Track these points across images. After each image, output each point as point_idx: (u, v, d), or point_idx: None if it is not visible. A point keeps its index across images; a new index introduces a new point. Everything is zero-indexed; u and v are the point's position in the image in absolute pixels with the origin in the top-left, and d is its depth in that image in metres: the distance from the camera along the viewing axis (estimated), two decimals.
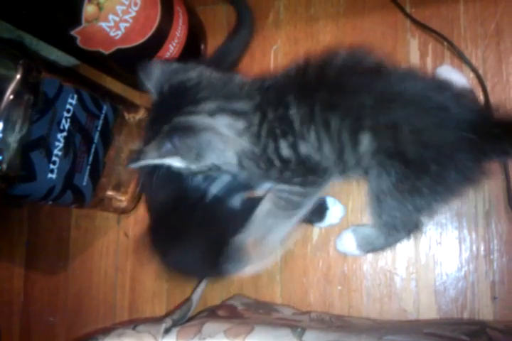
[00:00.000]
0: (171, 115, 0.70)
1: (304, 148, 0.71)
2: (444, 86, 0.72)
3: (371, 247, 0.85)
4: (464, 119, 0.66)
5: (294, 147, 0.71)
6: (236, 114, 0.70)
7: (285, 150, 0.71)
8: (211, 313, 0.78)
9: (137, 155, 0.69)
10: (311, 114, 0.68)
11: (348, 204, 0.93)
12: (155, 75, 0.75)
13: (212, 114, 0.69)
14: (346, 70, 0.70)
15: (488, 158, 0.70)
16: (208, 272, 0.83)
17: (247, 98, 0.72)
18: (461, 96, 0.71)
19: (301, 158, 0.72)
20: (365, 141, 0.67)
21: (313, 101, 0.68)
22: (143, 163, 0.69)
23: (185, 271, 0.83)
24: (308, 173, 0.74)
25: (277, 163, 0.73)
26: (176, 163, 0.71)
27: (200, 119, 0.69)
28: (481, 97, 0.89)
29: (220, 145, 0.70)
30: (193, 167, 0.72)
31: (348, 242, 0.87)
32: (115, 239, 1.08)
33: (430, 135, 0.66)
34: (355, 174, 0.76)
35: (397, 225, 0.76)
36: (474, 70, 0.90)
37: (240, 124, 0.70)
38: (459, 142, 0.66)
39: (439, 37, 0.93)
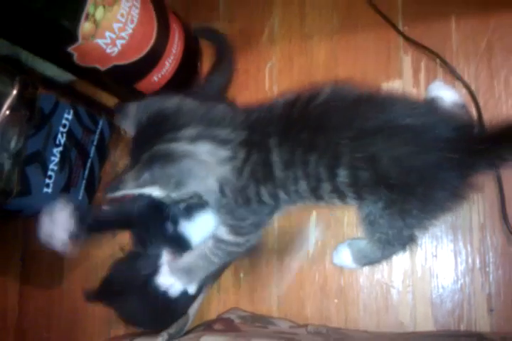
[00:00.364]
0: (150, 143, 0.69)
1: (282, 196, 0.71)
2: (423, 107, 0.71)
3: (367, 260, 0.85)
4: (444, 139, 0.65)
5: (274, 196, 0.71)
6: (218, 141, 0.69)
7: (265, 197, 0.71)
8: (207, 327, 0.77)
9: (116, 184, 0.67)
10: (291, 157, 0.68)
11: (343, 218, 0.93)
12: (131, 112, 0.74)
13: (192, 140, 0.68)
14: (329, 108, 0.69)
15: (476, 171, 0.69)
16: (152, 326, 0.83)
17: (232, 128, 0.70)
18: (442, 114, 0.70)
19: (277, 202, 0.73)
20: (342, 177, 0.66)
21: (295, 143, 0.67)
22: (121, 192, 0.68)
23: (134, 323, 0.86)
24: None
25: (254, 204, 0.72)
26: (155, 192, 0.70)
27: (180, 146, 0.67)
28: (474, 113, 0.89)
29: (200, 173, 0.69)
30: (174, 195, 0.71)
31: (344, 256, 0.87)
32: (110, 253, 1.07)
33: (411, 160, 0.65)
34: (329, 203, 0.74)
35: (390, 241, 0.76)
36: (467, 86, 0.91)
37: (222, 152, 0.69)
38: (442, 162, 0.66)
39: (432, 54, 0.94)
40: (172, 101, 0.72)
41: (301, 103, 0.70)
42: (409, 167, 0.66)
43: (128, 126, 0.74)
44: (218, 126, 0.69)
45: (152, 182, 0.67)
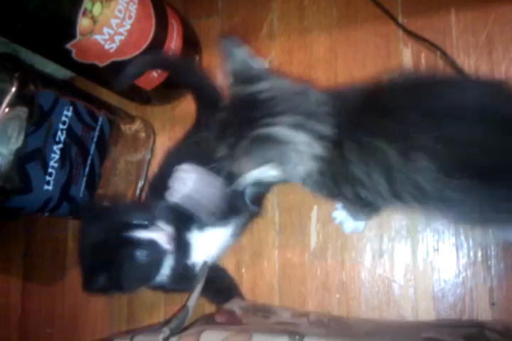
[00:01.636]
0: (243, 128, 0.68)
1: (365, 194, 0.70)
2: (495, 87, 0.68)
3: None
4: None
5: (356, 194, 0.70)
6: (316, 135, 0.67)
7: (348, 194, 0.71)
8: (209, 320, 0.77)
9: (231, 175, 0.68)
10: (362, 148, 0.66)
11: None
12: (236, 61, 0.72)
13: (293, 127, 0.67)
14: (396, 92, 0.68)
15: None
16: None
17: (329, 124, 0.68)
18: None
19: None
20: (421, 162, 0.63)
21: (362, 132, 0.66)
22: (243, 179, 0.68)
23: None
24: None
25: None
26: (271, 171, 0.69)
27: (281, 130, 0.66)
28: None
29: (295, 160, 0.68)
30: (285, 173, 0.70)
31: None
32: None
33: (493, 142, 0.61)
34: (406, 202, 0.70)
35: None
36: (468, 78, 0.91)
37: (317, 148, 0.68)
38: None
39: (432, 46, 0.94)
40: (265, 84, 0.70)
41: (371, 93, 0.69)
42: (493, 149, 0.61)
43: (229, 68, 0.72)
44: (317, 120, 0.68)
45: (269, 160, 0.67)
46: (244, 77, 0.71)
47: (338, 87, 0.79)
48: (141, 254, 0.77)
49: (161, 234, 0.78)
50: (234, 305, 0.85)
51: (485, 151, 0.61)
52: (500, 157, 0.62)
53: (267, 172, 0.69)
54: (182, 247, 0.83)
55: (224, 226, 0.87)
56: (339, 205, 0.91)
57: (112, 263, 0.76)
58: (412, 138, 0.63)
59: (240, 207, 0.88)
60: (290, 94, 0.70)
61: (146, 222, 0.79)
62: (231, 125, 0.70)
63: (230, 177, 0.69)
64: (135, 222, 0.78)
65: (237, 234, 0.91)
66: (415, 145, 0.62)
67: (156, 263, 0.80)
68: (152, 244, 0.78)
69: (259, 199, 0.93)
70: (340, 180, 0.70)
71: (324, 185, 0.73)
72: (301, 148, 0.67)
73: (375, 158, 0.66)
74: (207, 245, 0.86)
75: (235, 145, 0.68)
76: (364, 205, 0.76)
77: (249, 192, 0.86)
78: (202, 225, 0.84)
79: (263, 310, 0.86)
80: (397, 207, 0.76)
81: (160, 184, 0.91)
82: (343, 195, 0.72)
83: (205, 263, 0.83)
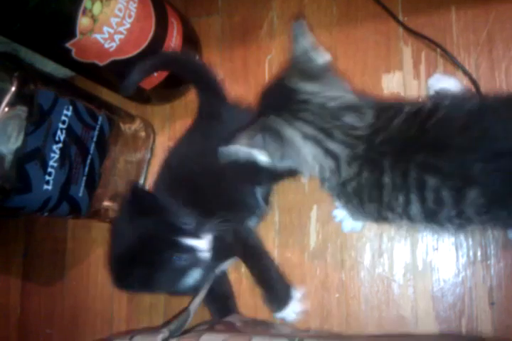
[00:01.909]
0: (273, 108, 0.70)
1: (388, 215, 0.70)
2: None
3: None
4: None
5: (379, 213, 0.71)
6: (325, 151, 0.68)
7: (370, 211, 0.72)
8: (209, 327, 0.77)
9: (227, 140, 0.69)
10: (404, 179, 0.65)
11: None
12: (298, 49, 0.71)
13: (305, 136, 0.68)
14: (449, 124, 0.65)
15: None
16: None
17: (345, 144, 0.68)
18: None
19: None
20: (472, 197, 0.62)
21: (409, 163, 0.64)
22: (232, 149, 0.69)
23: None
24: None
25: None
26: (261, 156, 0.70)
27: (292, 134, 0.68)
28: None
29: (300, 164, 0.71)
30: (277, 165, 0.72)
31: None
32: None
33: None
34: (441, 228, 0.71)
35: None
36: (469, 76, 0.90)
37: (327, 162, 0.69)
38: None
39: (432, 44, 0.93)
40: (309, 87, 0.69)
41: (420, 119, 0.66)
42: None
43: (296, 46, 0.72)
44: (332, 138, 0.68)
45: (262, 147, 0.69)
46: (301, 69, 0.71)
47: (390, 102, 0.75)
48: (179, 259, 0.77)
49: (203, 243, 0.78)
50: (234, 319, 0.85)
51: None
52: None
53: (256, 155, 0.70)
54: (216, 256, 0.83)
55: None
56: (339, 204, 0.91)
57: (150, 263, 0.75)
58: (471, 179, 0.62)
59: (252, 205, 0.90)
60: (322, 110, 0.69)
61: (192, 228, 0.78)
62: (270, 98, 0.73)
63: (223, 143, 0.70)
64: (184, 226, 0.78)
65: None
66: (472, 182, 0.62)
67: (188, 270, 0.80)
68: (192, 251, 0.77)
69: (267, 198, 0.94)
70: (365, 198, 0.70)
71: (344, 195, 0.73)
72: (308, 159, 0.69)
73: (419, 190, 0.65)
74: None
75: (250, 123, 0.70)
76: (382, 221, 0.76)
77: (260, 190, 0.90)
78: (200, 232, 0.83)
79: (263, 325, 0.86)
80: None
81: (167, 181, 0.92)
82: (363, 210, 0.72)
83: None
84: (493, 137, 0.62)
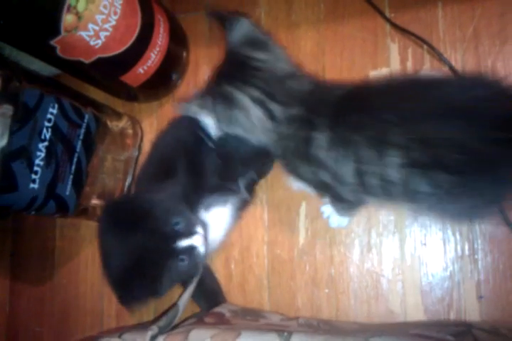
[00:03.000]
0: (223, 79, 0.77)
1: (323, 176, 0.74)
2: (475, 85, 0.68)
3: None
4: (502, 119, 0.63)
5: (314, 174, 0.75)
6: (269, 114, 0.74)
7: (306, 174, 0.77)
8: (198, 320, 0.77)
9: (187, 98, 0.77)
10: (337, 138, 0.70)
11: None
12: (237, 33, 0.79)
13: (253, 100, 0.74)
14: (379, 92, 0.72)
15: None
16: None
17: (286, 106, 0.75)
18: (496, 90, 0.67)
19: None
20: (394, 158, 0.65)
21: (342, 125, 0.69)
22: (185, 105, 0.78)
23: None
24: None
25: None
26: (208, 120, 0.78)
27: (242, 99, 0.74)
28: None
29: (248, 128, 0.76)
30: (224, 129, 0.79)
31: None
32: None
33: (468, 144, 0.63)
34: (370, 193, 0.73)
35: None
36: (455, 71, 0.91)
37: (268, 124, 0.75)
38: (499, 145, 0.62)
39: (419, 40, 0.94)
40: (263, 56, 0.77)
41: (353, 91, 0.73)
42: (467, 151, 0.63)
43: (228, 39, 0.80)
44: (275, 101, 0.74)
45: (210, 111, 0.76)
46: (250, 41, 0.79)
47: (329, 81, 0.82)
48: (182, 263, 0.75)
49: (198, 238, 0.77)
50: (223, 309, 0.85)
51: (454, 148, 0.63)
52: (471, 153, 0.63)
53: (203, 118, 0.79)
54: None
55: (223, 205, 0.88)
56: (327, 200, 0.91)
57: (153, 276, 0.73)
58: (388, 136, 0.65)
59: (234, 189, 0.90)
60: (272, 76, 0.76)
61: (183, 226, 0.76)
62: (225, 69, 0.79)
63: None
64: (175, 227, 0.76)
65: (236, 217, 0.92)
66: (390, 142, 0.65)
67: (196, 267, 0.79)
68: (192, 250, 0.76)
69: (250, 187, 0.94)
70: (301, 159, 0.75)
71: (286, 160, 0.79)
72: (254, 121, 0.75)
73: (347, 149, 0.69)
74: (215, 224, 0.86)
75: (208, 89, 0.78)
76: (319, 188, 0.80)
77: (243, 178, 0.91)
78: (208, 205, 0.85)
79: (252, 314, 0.86)
80: (354, 196, 0.78)
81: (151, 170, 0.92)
82: (300, 174, 0.78)
83: (200, 263, 0.83)
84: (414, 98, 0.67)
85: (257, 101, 0.74)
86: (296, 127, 0.74)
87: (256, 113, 0.74)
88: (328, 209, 0.91)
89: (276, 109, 0.74)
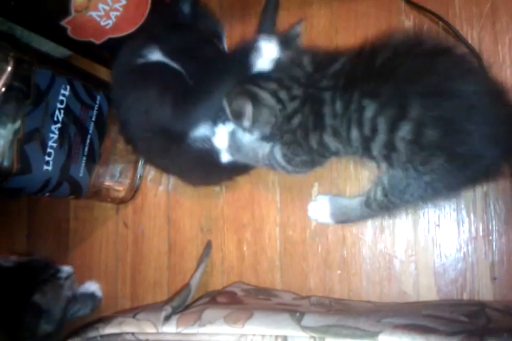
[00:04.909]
0: (246, 78, 0.80)
1: (331, 143, 0.75)
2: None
3: (345, 218, 0.86)
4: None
5: (321, 144, 0.76)
6: (276, 96, 0.78)
7: (313, 142, 0.77)
8: (211, 300, 0.78)
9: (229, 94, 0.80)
10: (347, 103, 0.70)
11: (346, 189, 0.93)
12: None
13: (273, 94, 0.77)
14: (401, 59, 0.69)
15: None
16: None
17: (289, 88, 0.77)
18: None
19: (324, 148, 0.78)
20: (404, 132, 0.66)
21: (354, 90, 0.70)
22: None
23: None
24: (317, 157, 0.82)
25: (305, 148, 0.79)
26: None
27: (265, 95, 0.78)
28: None
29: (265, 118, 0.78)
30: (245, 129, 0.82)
31: (322, 210, 0.89)
32: (114, 229, 1.08)
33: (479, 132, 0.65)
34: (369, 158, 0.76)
35: (389, 207, 0.77)
36: (471, 49, 0.89)
37: (278, 107, 0.78)
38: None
39: (434, 17, 0.91)
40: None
41: (366, 56, 0.73)
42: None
43: None
44: (284, 88, 0.77)
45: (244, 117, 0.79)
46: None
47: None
48: None
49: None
50: (235, 288, 0.86)
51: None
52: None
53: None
54: None
55: None
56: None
57: None
58: (408, 110, 0.65)
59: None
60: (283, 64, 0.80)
61: None
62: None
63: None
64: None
65: None
66: (408, 117, 0.65)
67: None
68: None
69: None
70: (310, 126, 0.76)
71: (289, 132, 0.79)
72: (268, 103, 0.78)
73: (360, 117, 0.69)
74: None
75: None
76: (323, 154, 0.80)
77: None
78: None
79: (265, 293, 0.87)
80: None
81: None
82: (307, 143, 0.78)
83: (209, 243, 0.83)
84: (440, 75, 0.66)
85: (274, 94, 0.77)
86: (305, 103, 0.76)
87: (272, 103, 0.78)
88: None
89: (282, 93, 0.77)
